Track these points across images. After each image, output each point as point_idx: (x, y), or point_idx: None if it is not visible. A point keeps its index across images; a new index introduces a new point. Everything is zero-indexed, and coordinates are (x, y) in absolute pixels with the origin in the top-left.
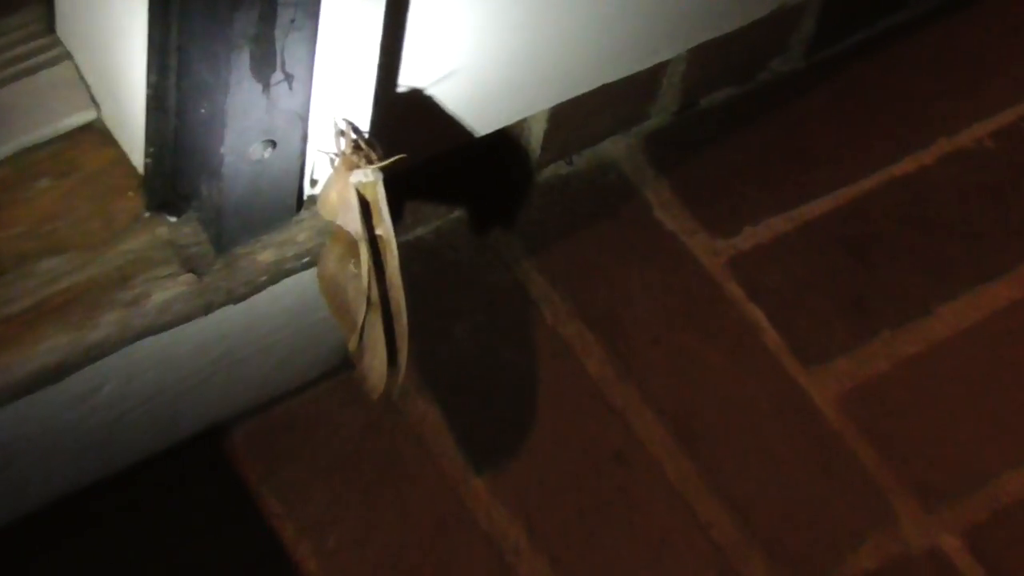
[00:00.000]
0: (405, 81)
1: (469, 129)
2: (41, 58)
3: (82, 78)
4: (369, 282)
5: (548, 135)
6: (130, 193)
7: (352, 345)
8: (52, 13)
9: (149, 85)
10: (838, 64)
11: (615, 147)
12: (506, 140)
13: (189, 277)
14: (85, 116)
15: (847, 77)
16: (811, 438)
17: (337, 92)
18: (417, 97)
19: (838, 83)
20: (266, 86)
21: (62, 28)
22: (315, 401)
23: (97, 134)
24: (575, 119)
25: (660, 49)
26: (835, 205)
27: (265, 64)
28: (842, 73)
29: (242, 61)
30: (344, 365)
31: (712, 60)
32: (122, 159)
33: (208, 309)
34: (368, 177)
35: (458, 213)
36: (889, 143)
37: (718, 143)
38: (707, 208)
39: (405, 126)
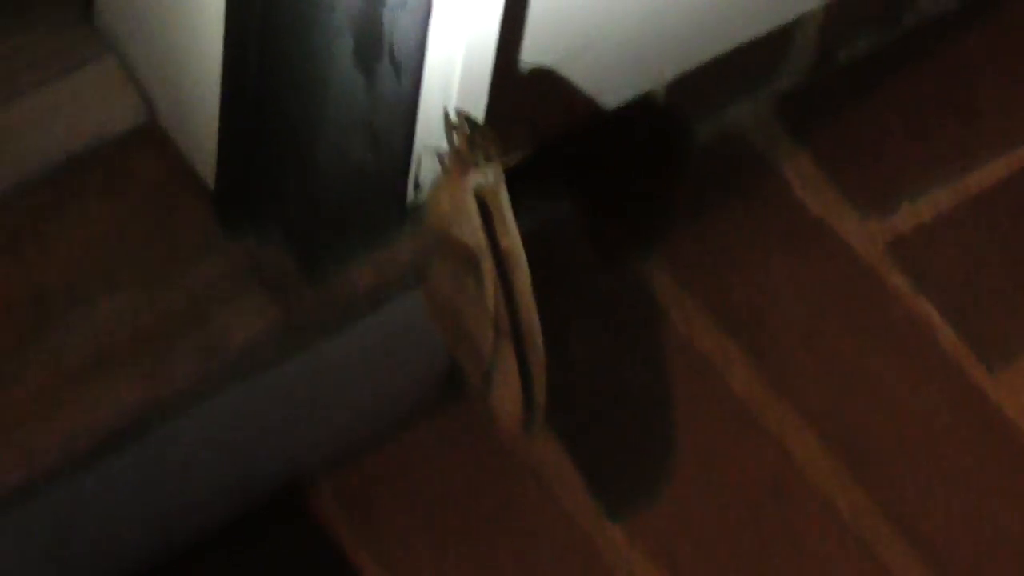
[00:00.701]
0: (527, 58)
1: (594, 106)
2: (79, 54)
3: (129, 74)
4: (496, 304)
5: (666, 105)
6: (198, 209)
7: (476, 379)
8: (88, 2)
9: (225, 79)
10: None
11: (742, 114)
12: (615, 117)
13: (277, 310)
14: (136, 118)
15: (1010, 14)
16: (1004, 457)
17: (448, 77)
18: (537, 75)
19: (999, 22)
20: (371, 76)
21: (102, 18)
22: (412, 444)
23: (151, 139)
24: (694, 85)
25: (793, 3)
26: (1009, 171)
27: (370, 51)
28: (1003, 10)
29: (343, 49)
30: (444, 399)
31: (851, 4)
32: (184, 168)
33: (299, 347)
34: (488, 179)
35: (564, 204)
36: None
37: (863, 103)
38: (857, 183)
39: (518, 111)
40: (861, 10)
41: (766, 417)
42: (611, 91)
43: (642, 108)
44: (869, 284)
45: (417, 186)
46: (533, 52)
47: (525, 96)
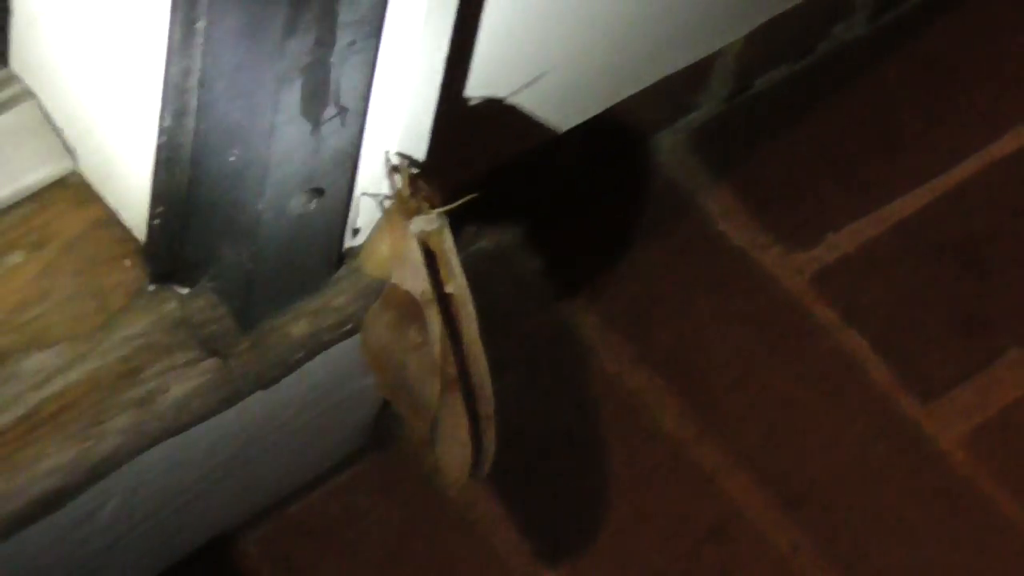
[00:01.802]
0: (472, 93)
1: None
2: None
3: (50, 121)
4: (443, 353)
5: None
6: (126, 262)
7: (420, 429)
8: (5, 42)
9: (162, 131)
10: (911, 26)
11: (660, 147)
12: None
13: (212, 363)
14: (57, 168)
15: (925, 41)
16: (940, 489)
17: (391, 120)
18: (481, 110)
19: (915, 49)
20: (316, 124)
21: (19, 60)
22: (341, 493)
23: (75, 190)
24: (616, 118)
25: (722, 32)
26: (930, 199)
27: (317, 98)
28: (918, 36)
29: (291, 97)
30: (373, 445)
31: (766, 33)
32: (109, 219)
33: (234, 400)
34: (432, 224)
35: (481, 244)
36: (985, 117)
37: (781, 132)
38: (778, 214)
39: (461, 148)
40: (777, 38)
41: (700, 456)
42: (553, 123)
43: (560, 143)
44: (796, 317)
45: (355, 232)
46: (478, 87)
47: (469, 133)
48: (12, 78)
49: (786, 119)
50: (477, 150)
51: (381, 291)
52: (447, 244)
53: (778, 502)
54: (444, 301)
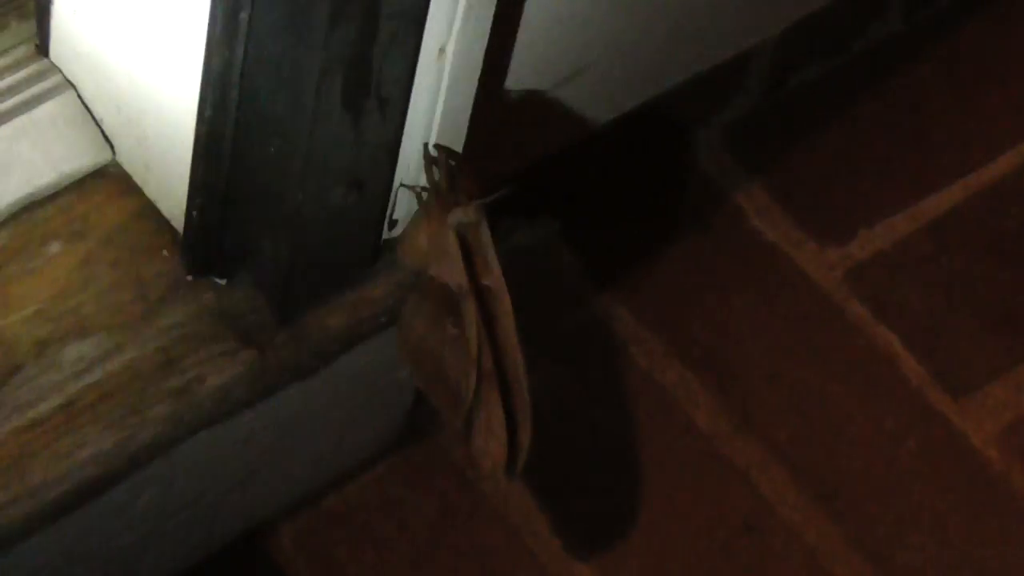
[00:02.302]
0: (511, 85)
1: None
2: (35, 89)
3: (89, 112)
4: (480, 347)
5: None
6: (164, 253)
7: (456, 422)
8: (45, 32)
9: (202, 121)
10: (946, 23)
11: (695, 144)
12: (571, 148)
13: (249, 354)
14: (97, 159)
15: (960, 37)
16: (972, 485)
17: (430, 112)
18: (520, 103)
19: (949, 45)
20: (357, 115)
21: (59, 51)
22: (375, 486)
23: (114, 181)
24: (653, 114)
25: (758, 28)
26: (965, 195)
27: (358, 90)
28: (953, 34)
29: (333, 88)
30: (406, 439)
31: (801, 30)
32: (148, 210)
33: (272, 390)
34: (470, 217)
35: (518, 238)
36: (1020, 113)
37: (815, 129)
38: (812, 211)
39: (499, 141)
40: (813, 35)
41: (732, 452)
42: (590, 117)
43: (596, 139)
44: (829, 313)
45: (392, 224)
46: (517, 80)
47: (507, 126)
48: (51, 69)
49: (821, 116)
50: (515, 144)
51: (418, 283)
52: (484, 237)
53: (810, 497)
54: (481, 294)
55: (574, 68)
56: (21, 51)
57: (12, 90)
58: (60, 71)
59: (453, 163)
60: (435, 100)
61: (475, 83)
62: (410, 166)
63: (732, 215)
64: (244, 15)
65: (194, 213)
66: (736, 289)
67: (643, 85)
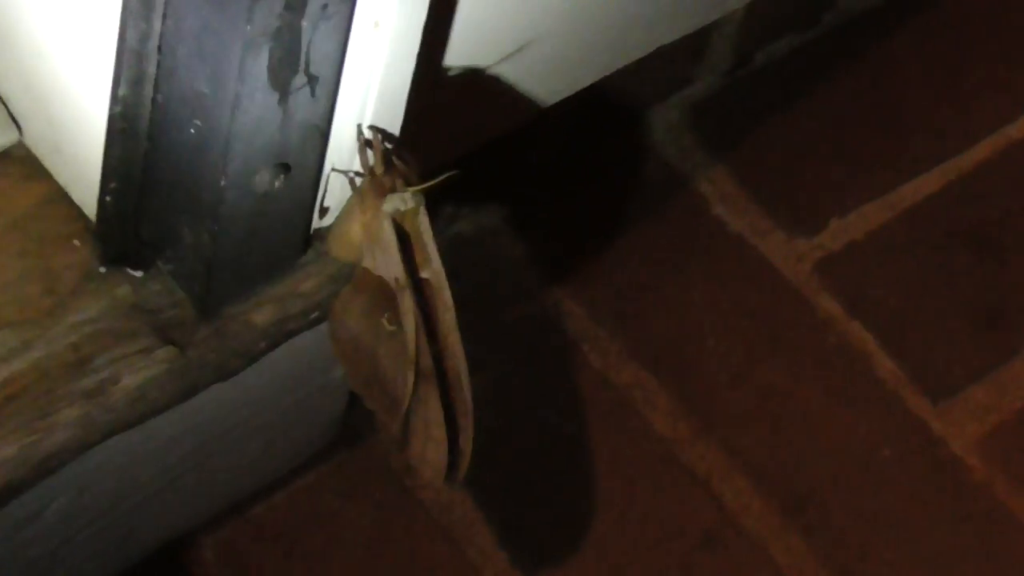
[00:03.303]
0: (452, 62)
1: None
2: None
3: None
4: (418, 344)
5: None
6: (75, 242)
7: (392, 426)
8: None
9: (116, 100)
10: None
11: (653, 125)
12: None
13: (168, 351)
14: (2, 140)
15: (938, 12)
16: (952, 495)
17: (364, 90)
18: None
19: (927, 20)
20: (284, 94)
21: None
22: (306, 495)
23: (20, 164)
24: (605, 92)
25: (722, 1)
26: (944, 182)
27: (286, 66)
28: (932, 7)
29: (258, 64)
30: (341, 443)
31: (768, 3)
32: (58, 196)
33: (192, 392)
34: (407, 204)
35: (459, 227)
36: (1003, 95)
37: (783, 110)
38: (780, 198)
39: (440, 122)
40: (780, 8)
41: (693, 458)
42: (539, 96)
43: (546, 119)
44: (798, 309)
45: (324, 212)
46: (458, 56)
47: (448, 106)
48: None
49: (789, 95)
50: (456, 125)
51: (351, 276)
52: (423, 226)
53: (777, 508)
54: (419, 288)
55: (520, 42)
56: None
57: None
58: None
59: (389, 146)
60: (369, 77)
61: (413, 59)
62: (342, 149)
63: (693, 202)
64: None
65: (107, 199)
66: (697, 282)
67: (596, 61)
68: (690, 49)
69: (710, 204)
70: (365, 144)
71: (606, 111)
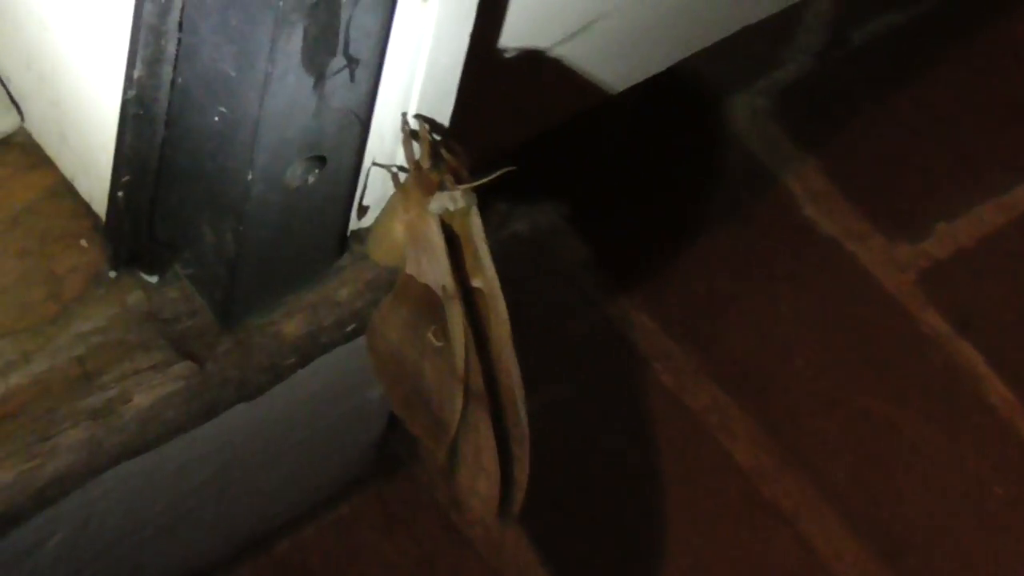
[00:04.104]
0: (509, 43)
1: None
2: None
3: None
4: (467, 361)
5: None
6: (82, 241)
7: (438, 452)
8: None
9: (130, 82)
10: None
11: (733, 113)
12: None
13: (185, 367)
14: (1, 125)
15: None
16: None
17: (410, 74)
18: (519, 65)
19: None
20: (320, 77)
21: None
22: (339, 530)
23: (21, 152)
24: (684, 76)
25: None
26: None
27: (322, 47)
28: None
29: (291, 44)
30: (378, 472)
31: None
32: (63, 188)
33: (211, 412)
34: (457, 202)
35: (516, 227)
36: None
37: (884, 97)
38: (879, 198)
39: (494, 112)
40: None
41: (777, 494)
42: (606, 81)
43: (613, 107)
44: (899, 325)
45: (363, 211)
46: (516, 35)
47: (504, 92)
48: None
49: (890, 81)
50: (513, 113)
51: (393, 284)
52: (475, 227)
53: (873, 553)
54: (469, 297)
55: (586, 19)
56: None
57: None
58: None
59: (437, 137)
60: (416, 59)
61: (466, 38)
62: (384, 140)
63: (780, 201)
64: None
65: (119, 193)
66: (784, 293)
67: (672, 41)
68: (779, 28)
69: (799, 203)
70: (410, 135)
71: (682, 98)
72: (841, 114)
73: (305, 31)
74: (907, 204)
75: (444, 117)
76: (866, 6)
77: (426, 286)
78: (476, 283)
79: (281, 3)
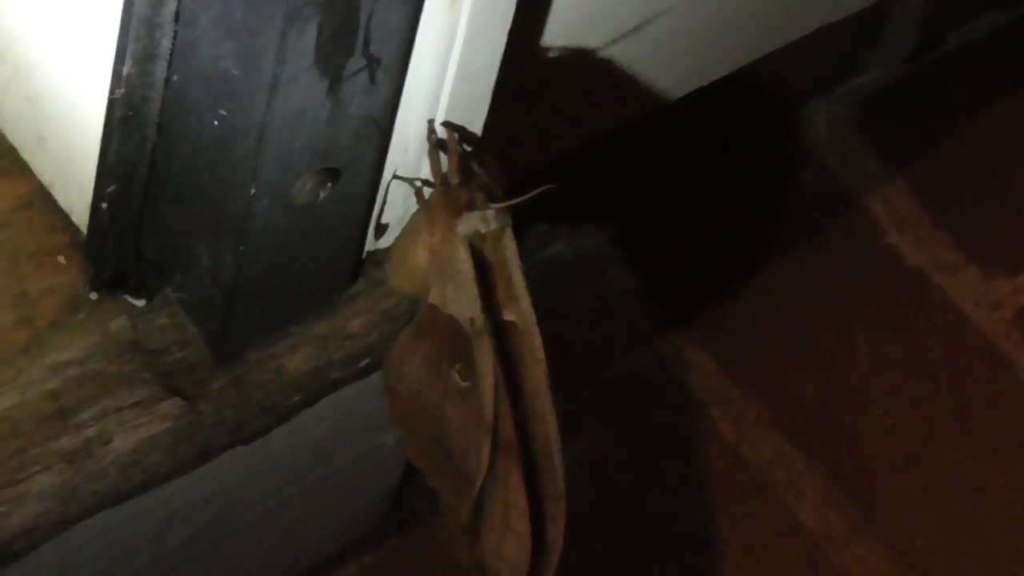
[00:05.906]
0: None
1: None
2: None
3: None
4: (497, 406)
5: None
6: (59, 259)
7: (461, 511)
8: None
9: (118, 80)
10: None
11: (814, 124)
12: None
13: (173, 405)
14: None
15: None
16: None
17: (437, 77)
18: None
19: None
20: (335, 80)
21: None
22: None
23: None
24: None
25: None
26: None
27: (339, 46)
28: None
29: (303, 41)
30: (392, 527)
31: None
32: (39, 198)
33: (203, 457)
34: (489, 224)
35: (552, 251)
36: None
37: (981, 108)
38: (973, 225)
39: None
40: None
41: (848, 561)
42: (662, 86)
43: (671, 115)
44: (993, 369)
45: (381, 230)
46: (561, 33)
47: (546, 99)
48: None
49: (988, 89)
50: (555, 123)
51: (414, 315)
52: (509, 253)
53: None
54: (501, 332)
55: (640, 16)
56: None
57: None
58: None
59: (468, 149)
60: (446, 60)
61: (503, 37)
62: (407, 151)
63: (861, 226)
64: None
65: (102, 205)
66: (862, 331)
67: (738, 42)
68: (863, 28)
69: (883, 229)
70: (437, 145)
71: (749, 106)
72: (932, 127)
73: (320, 27)
74: (1006, 232)
75: (476, 126)
76: (964, 4)
77: (451, 318)
78: (509, 316)
79: None
